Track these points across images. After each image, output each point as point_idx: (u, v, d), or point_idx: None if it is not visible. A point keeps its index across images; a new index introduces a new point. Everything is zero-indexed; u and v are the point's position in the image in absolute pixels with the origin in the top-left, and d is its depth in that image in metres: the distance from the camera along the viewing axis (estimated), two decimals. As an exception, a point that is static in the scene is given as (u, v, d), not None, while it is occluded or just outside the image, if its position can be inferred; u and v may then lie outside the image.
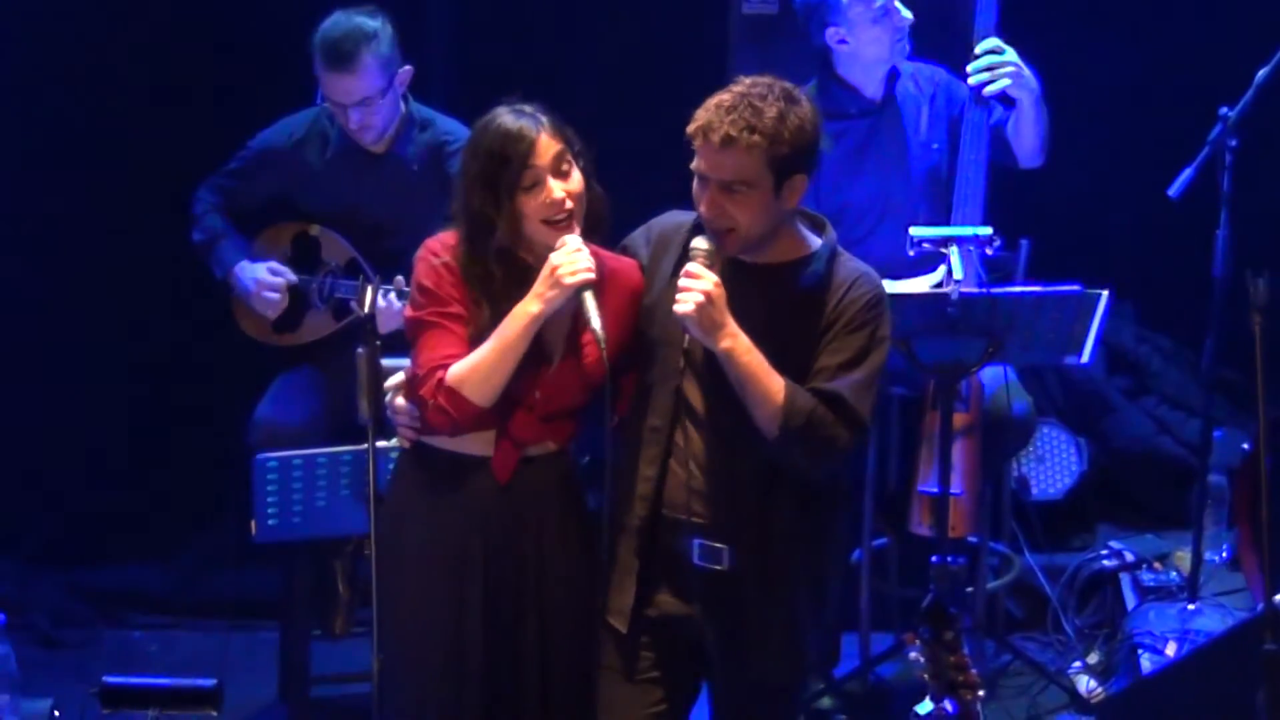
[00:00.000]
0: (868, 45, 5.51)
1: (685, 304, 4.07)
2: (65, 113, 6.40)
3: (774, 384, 4.09)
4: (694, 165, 4.13)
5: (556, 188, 4.15)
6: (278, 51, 5.85)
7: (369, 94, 5.38)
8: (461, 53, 6.42)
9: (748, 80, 4.13)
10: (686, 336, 4.16)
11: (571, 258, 4.13)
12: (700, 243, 4.14)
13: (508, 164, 4.13)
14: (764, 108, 4.06)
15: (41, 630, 6.20)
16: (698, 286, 4.07)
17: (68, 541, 6.44)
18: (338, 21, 5.39)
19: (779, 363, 4.11)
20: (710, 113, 4.09)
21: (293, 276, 5.57)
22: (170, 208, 5.75)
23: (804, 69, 5.59)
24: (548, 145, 4.15)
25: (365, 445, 4.30)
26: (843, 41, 5.51)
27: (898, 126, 5.60)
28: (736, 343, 4.08)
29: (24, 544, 6.43)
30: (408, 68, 5.46)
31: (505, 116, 4.18)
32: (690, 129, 4.10)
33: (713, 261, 4.12)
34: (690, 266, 4.10)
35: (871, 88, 5.59)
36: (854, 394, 4.11)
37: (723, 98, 4.10)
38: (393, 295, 5.19)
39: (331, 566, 5.66)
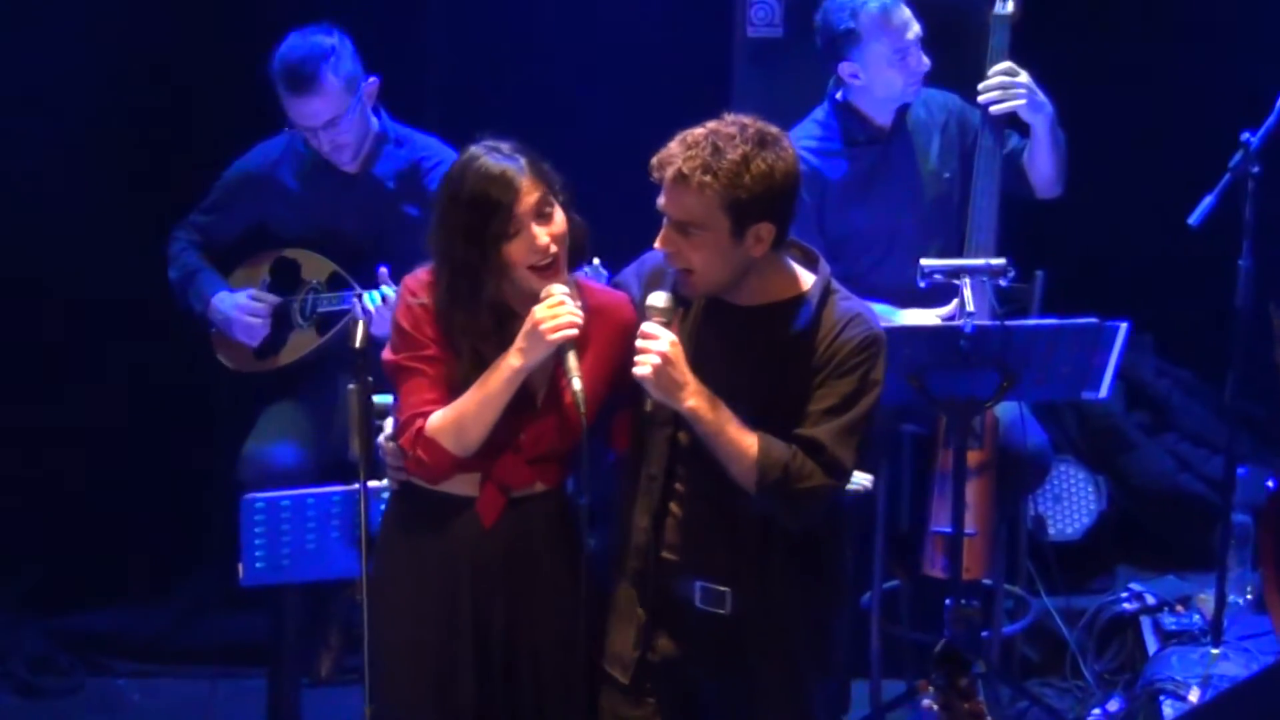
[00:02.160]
0: (880, 85, 5.49)
1: (642, 366, 4.00)
2: (62, 132, 6.36)
3: (745, 440, 4.03)
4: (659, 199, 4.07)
5: (541, 233, 4.10)
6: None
7: (335, 114, 5.32)
8: (458, 79, 6.42)
9: (729, 117, 4.04)
10: None
11: (554, 311, 4.09)
12: (656, 300, 4.08)
13: (493, 214, 4.07)
14: (726, 149, 3.96)
15: (21, 678, 6.15)
16: (654, 347, 4.01)
17: (48, 587, 6.42)
18: (294, 45, 5.33)
19: (771, 408, 4.04)
20: (673, 146, 4.02)
21: (274, 299, 5.52)
22: (153, 244, 5.67)
23: (809, 93, 5.62)
24: (529, 191, 4.09)
25: (356, 485, 4.29)
26: (855, 76, 5.49)
27: (908, 154, 5.58)
28: (700, 401, 4.02)
29: (3, 590, 6.40)
30: (373, 79, 5.41)
31: (484, 160, 4.11)
32: (652, 160, 4.02)
33: (670, 319, 4.06)
34: (646, 326, 4.05)
35: (882, 116, 5.56)
36: (835, 440, 4.04)
37: (692, 133, 4.02)
38: (378, 296, 5.12)
39: (325, 609, 5.66)
